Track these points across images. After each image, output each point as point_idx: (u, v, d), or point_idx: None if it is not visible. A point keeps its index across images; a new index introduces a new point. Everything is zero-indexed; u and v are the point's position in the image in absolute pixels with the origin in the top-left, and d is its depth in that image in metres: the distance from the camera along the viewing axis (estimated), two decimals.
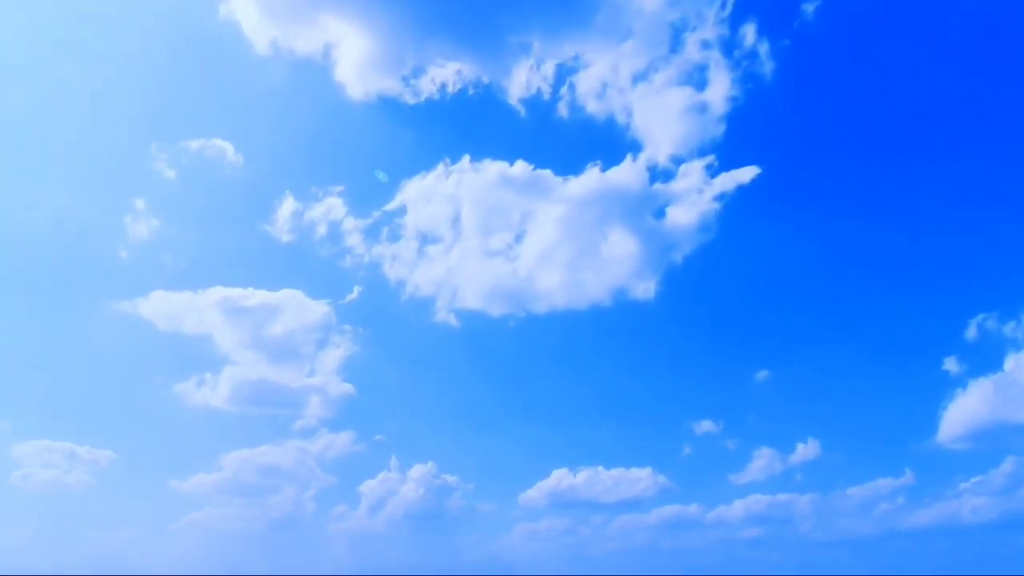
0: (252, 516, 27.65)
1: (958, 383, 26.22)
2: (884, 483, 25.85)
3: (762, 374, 29.38)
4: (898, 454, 27.11)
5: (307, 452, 28.28)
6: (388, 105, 32.92)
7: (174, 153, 32.32)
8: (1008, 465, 24.62)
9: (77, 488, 26.60)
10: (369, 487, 27.48)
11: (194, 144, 32.28)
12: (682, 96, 30.88)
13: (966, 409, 25.55)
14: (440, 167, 31.98)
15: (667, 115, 31.22)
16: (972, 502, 24.89)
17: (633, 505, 27.24)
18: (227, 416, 28.94)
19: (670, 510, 26.99)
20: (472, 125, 34.42)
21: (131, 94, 34.66)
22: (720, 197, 30.13)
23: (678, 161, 30.74)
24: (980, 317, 26.69)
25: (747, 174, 29.79)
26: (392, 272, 32.29)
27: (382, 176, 32.66)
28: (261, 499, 27.87)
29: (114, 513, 26.93)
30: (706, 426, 28.33)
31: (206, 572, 25.53)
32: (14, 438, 26.97)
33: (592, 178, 31.04)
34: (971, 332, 26.81)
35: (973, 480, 25.08)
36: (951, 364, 26.49)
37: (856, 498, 26.06)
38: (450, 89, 31.55)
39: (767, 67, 31.11)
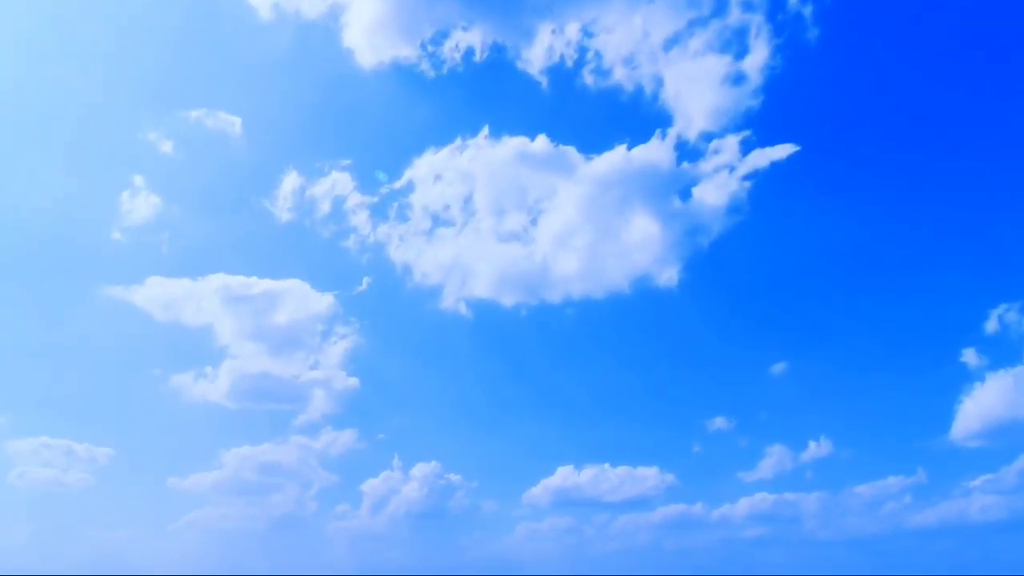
0: (253, 515, 27.37)
1: (976, 376, 25.58)
2: (894, 481, 25.45)
3: (779, 367, 28.68)
4: (910, 451, 26.59)
5: (309, 449, 27.94)
6: (401, 74, 31.25)
7: (171, 125, 31.24)
8: (1022, 463, 24.01)
9: (75, 487, 26.33)
10: (371, 486, 27.16)
11: (193, 115, 31.11)
12: (718, 64, 28.52)
13: (983, 404, 24.94)
14: (457, 141, 30.30)
15: (700, 85, 28.86)
16: (981, 501, 24.45)
17: (638, 504, 26.95)
18: (227, 411, 28.47)
19: (674, 509, 26.65)
20: (491, 96, 32.71)
21: (125, 62, 33.49)
22: (752, 176, 28.50)
23: (709, 137, 28.69)
24: (1002, 308, 25.94)
25: (782, 152, 27.96)
26: (399, 255, 30.98)
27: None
28: (262, 498, 27.61)
29: (113, 512, 26.69)
30: (719, 423, 27.78)
31: (206, 572, 25.34)
32: (10, 434, 26.64)
33: (617, 156, 29.13)
34: (991, 324, 26.10)
35: (983, 478, 24.58)
36: (970, 356, 25.85)
37: (864, 496, 25.69)
38: (467, 57, 29.95)
39: (811, 33, 29.02)
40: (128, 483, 27.19)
